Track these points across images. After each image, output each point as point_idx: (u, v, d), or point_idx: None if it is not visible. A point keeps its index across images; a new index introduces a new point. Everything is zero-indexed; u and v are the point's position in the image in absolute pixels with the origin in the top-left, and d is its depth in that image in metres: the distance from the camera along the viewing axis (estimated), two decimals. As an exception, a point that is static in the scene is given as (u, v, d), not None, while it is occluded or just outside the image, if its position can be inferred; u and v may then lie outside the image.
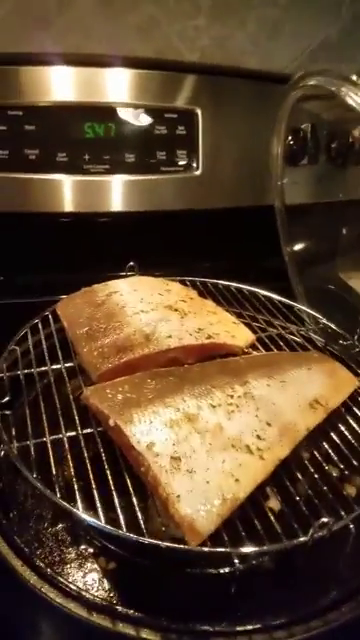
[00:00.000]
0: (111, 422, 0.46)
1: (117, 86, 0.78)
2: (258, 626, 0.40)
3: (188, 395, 0.50)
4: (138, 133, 0.79)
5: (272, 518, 0.43)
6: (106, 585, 0.44)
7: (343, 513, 0.43)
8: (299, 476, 0.48)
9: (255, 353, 0.62)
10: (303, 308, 0.72)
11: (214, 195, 0.86)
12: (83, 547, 0.46)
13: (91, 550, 0.46)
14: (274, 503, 0.48)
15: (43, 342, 0.60)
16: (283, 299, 0.74)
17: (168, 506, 0.41)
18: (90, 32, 0.84)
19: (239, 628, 0.40)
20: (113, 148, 0.79)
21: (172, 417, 0.47)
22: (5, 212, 0.76)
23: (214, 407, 0.49)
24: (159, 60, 0.86)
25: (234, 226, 0.87)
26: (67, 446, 0.47)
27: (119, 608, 0.41)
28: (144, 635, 0.39)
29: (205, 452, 0.44)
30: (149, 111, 0.80)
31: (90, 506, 0.42)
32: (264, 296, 0.74)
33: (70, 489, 0.44)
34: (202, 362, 0.58)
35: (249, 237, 0.85)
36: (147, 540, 0.39)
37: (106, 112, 0.78)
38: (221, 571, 0.44)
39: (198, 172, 0.83)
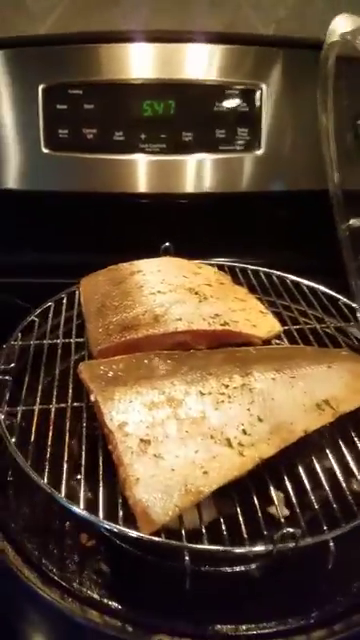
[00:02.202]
0: (92, 397, 0.45)
1: (177, 62, 0.75)
2: (230, 633, 0.37)
3: (180, 379, 0.47)
4: (197, 110, 0.76)
5: (262, 522, 0.39)
6: (78, 560, 0.43)
7: (325, 528, 0.38)
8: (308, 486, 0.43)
9: (275, 345, 0.57)
10: (347, 301, 0.66)
11: (277, 177, 0.81)
12: (61, 520, 0.46)
13: (71, 524, 0.45)
14: (280, 510, 0.43)
15: (62, 316, 0.60)
16: (327, 291, 0.68)
17: (125, 488, 0.39)
18: (159, 6, 0.83)
19: (208, 631, 0.37)
20: (171, 126, 0.76)
21: (154, 399, 0.45)
22: (63, 192, 0.77)
23: (203, 395, 0.46)
24: (223, 34, 0.83)
25: (299, 213, 0.82)
26: (53, 416, 0.47)
27: (86, 589, 0.40)
28: (89, 616, 0.38)
29: (179, 439, 0.42)
30: (209, 87, 0.76)
31: (57, 478, 0.42)
32: (307, 286, 0.69)
33: (42, 458, 0.43)
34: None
35: (309, 225, 0.80)
36: (97, 519, 0.38)
37: (165, 89, 0.76)
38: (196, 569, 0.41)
39: (260, 151, 0.79)
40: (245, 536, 0.38)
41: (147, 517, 0.37)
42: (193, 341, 0.55)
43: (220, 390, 0.47)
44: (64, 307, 0.62)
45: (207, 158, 0.77)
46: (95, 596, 0.40)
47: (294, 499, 0.41)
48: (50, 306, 0.62)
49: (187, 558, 0.37)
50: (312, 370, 0.51)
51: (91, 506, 0.39)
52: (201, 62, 0.75)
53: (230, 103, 0.77)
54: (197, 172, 0.79)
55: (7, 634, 0.39)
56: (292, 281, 0.70)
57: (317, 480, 0.43)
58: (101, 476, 0.42)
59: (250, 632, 0.37)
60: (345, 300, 0.66)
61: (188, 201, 0.81)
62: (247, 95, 0.77)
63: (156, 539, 0.37)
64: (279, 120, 0.78)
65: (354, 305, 0.65)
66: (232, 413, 0.45)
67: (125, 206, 0.81)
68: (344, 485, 0.43)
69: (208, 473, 0.40)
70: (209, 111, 0.76)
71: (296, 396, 0.48)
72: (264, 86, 0.77)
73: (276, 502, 0.41)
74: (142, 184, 0.79)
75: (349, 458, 0.45)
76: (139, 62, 0.75)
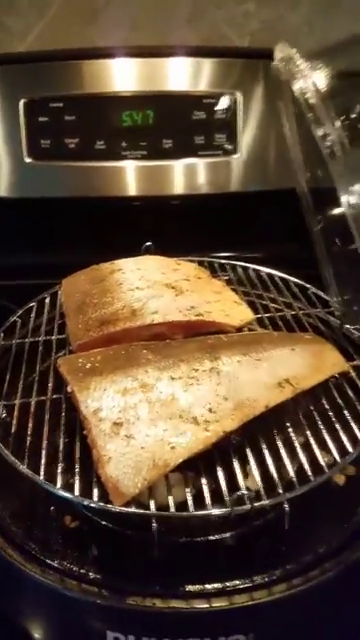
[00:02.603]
0: (69, 388, 0.49)
1: (155, 74, 0.80)
2: (175, 591, 0.41)
3: (152, 367, 0.51)
4: (176, 119, 0.81)
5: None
6: (59, 536, 0.47)
7: (280, 491, 0.42)
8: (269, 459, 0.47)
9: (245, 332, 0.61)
10: (315, 290, 0.69)
11: (253, 178, 0.85)
12: (44, 504, 0.49)
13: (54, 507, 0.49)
14: (252, 482, 0.47)
15: (45, 315, 0.64)
16: (298, 280, 0.71)
17: (98, 467, 0.43)
18: (138, 24, 0.87)
19: (157, 589, 0.41)
20: (150, 134, 0.81)
21: (127, 386, 0.49)
22: (42, 197, 0.82)
23: (173, 379, 0.50)
24: (199, 47, 0.87)
25: (275, 211, 0.86)
26: (33, 409, 0.51)
27: (50, 560, 0.44)
28: (71, 586, 0.42)
29: (149, 420, 0.46)
30: (187, 97, 0.80)
31: (37, 464, 0.45)
32: (280, 277, 0.73)
33: (22, 447, 0.47)
34: (189, 339, 0.59)
35: (292, 222, 0.83)
36: (62, 492, 0.42)
37: (144, 100, 0.80)
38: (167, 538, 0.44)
39: (237, 155, 0.83)
40: (208, 502, 0.41)
41: (117, 491, 0.41)
42: (169, 332, 0.59)
43: (190, 374, 0.50)
44: (46, 307, 0.66)
45: (187, 163, 0.81)
46: (75, 568, 0.43)
47: (257, 469, 0.45)
48: (32, 306, 0.66)
49: (154, 525, 0.40)
50: (276, 352, 0.55)
51: (69, 487, 0.43)
52: (178, 74, 0.80)
53: (207, 112, 0.81)
54: (178, 176, 0.83)
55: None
56: (266, 273, 0.74)
57: (278, 452, 0.46)
58: (78, 460, 0.45)
59: (217, 589, 0.41)
60: (314, 289, 0.70)
61: (169, 203, 0.85)
62: (224, 103, 0.81)
63: (125, 510, 0.41)
64: (254, 126, 0.82)
65: (322, 294, 0.69)
66: (200, 394, 0.48)
67: (108, 210, 0.86)
68: (302, 455, 0.46)
69: (175, 448, 0.44)
70: (188, 120, 0.81)
71: (259, 376, 0.52)
72: (239, 94, 0.81)
73: (239, 473, 0.44)
74: (124, 188, 0.83)
75: (308, 432, 0.49)
76: (118, 76, 0.79)
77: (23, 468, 0.45)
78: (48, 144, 0.80)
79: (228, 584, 0.42)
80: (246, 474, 0.46)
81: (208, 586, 0.42)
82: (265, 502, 0.41)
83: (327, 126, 0.43)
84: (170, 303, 0.61)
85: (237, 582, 0.42)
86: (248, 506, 0.40)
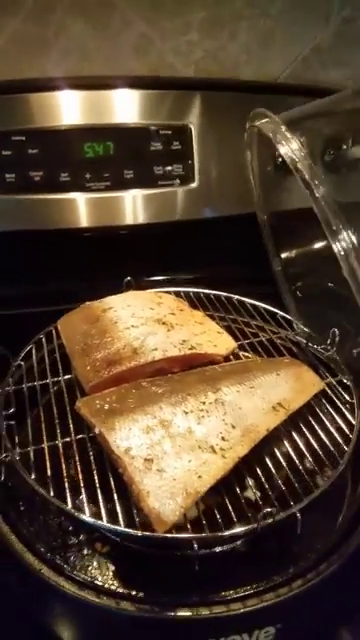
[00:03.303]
0: (96, 430, 0.55)
1: (113, 106, 0.86)
2: (217, 599, 0.48)
3: (165, 403, 0.58)
4: (135, 150, 0.87)
5: (245, 507, 0.51)
6: (98, 565, 0.52)
7: (292, 503, 0.51)
8: (273, 471, 0.56)
9: (234, 361, 0.69)
10: (283, 314, 0.79)
11: (211, 205, 0.93)
12: (82, 534, 0.55)
13: (90, 536, 0.55)
14: (251, 493, 0.55)
15: (46, 357, 0.69)
16: (268, 307, 0.80)
17: (139, 501, 0.49)
18: (87, 54, 0.91)
19: (197, 599, 0.48)
20: (112, 166, 0.86)
21: (148, 424, 0.55)
22: (11, 231, 0.85)
23: (186, 413, 0.57)
24: (148, 77, 0.93)
25: (232, 235, 0.94)
26: (61, 450, 0.56)
27: (104, 585, 0.50)
28: (122, 605, 0.48)
29: (174, 453, 0.53)
30: (144, 129, 0.86)
31: (79, 500, 0.51)
32: (251, 304, 0.81)
33: (61, 487, 0.52)
34: (186, 370, 0.66)
35: (248, 244, 0.92)
36: (114, 526, 0.48)
37: (104, 132, 0.86)
38: (201, 552, 0.51)
39: (194, 184, 0.90)
40: (235, 519, 0.49)
41: (160, 520, 0.48)
42: (168, 366, 0.66)
43: (199, 407, 0.58)
44: (45, 348, 0.71)
45: (147, 193, 0.88)
46: (125, 590, 0.50)
47: (264, 483, 0.54)
48: (32, 348, 0.70)
49: (195, 546, 0.48)
50: (265, 379, 0.64)
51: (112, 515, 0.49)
52: (133, 106, 0.86)
53: (163, 142, 0.88)
54: (139, 206, 0.89)
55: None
56: (237, 300, 0.82)
57: (279, 465, 0.55)
58: (115, 494, 0.51)
59: (244, 593, 0.49)
60: (282, 314, 0.79)
61: (133, 232, 0.91)
62: (178, 134, 0.88)
63: (170, 535, 0.48)
64: (208, 155, 0.90)
65: (289, 317, 0.78)
66: (212, 425, 0.56)
67: (73, 240, 0.90)
68: (300, 466, 0.55)
69: (202, 477, 0.51)
70: (146, 150, 0.87)
71: (256, 402, 0.60)
72: (192, 126, 0.88)
73: (252, 486, 0.53)
74: (88, 219, 0.88)
75: (301, 444, 0.58)
76: (76, 108, 0.84)
77: (70, 510, 0.50)
78: (13, 178, 0.83)
79: (255, 586, 0.50)
80: (244, 487, 0.54)
81: (239, 590, 0.49)
82: (282, 515, 0.49)
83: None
84: (165, 339, 0.68)
85: (261, 583, 0.50)
86: (270, 520, 0.48)
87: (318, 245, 0.91)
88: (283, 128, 0.57)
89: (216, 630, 0.47)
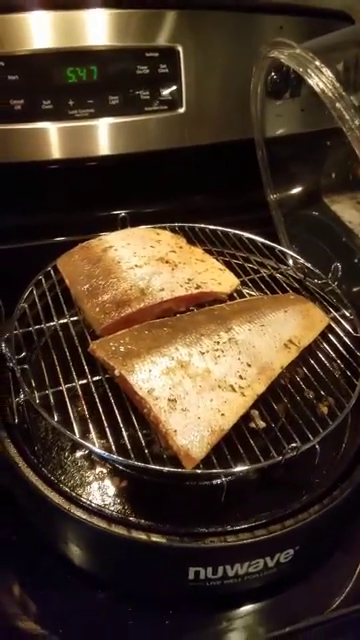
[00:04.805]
0: (116, 372, 0.54)
1: (96, 28, 0.79)
2: (244, 526, 0.51)
3: (180, 344, 0.58)
4: (120, 74, 0.81)
5: (251, 442, 0.53)
6: (120, 500, 0.54)
7: (310, 436, 0.53)
8: (282, 397, 0.58)
9: (238, 299, 0.69)
10: (281, 248, 0.79)
11: (200, 131, 0.89)
12: (99, 470, 0.56)
13: (105, 472, 0.56)
14: (258, 423, 0.57)
15: (48, 297, 0.67)
16: (265, 241, 0.80)
17: (168, 439, 0.50)
18: None
19: (228, 528, 0.50)
20: (96, 91, 0.81)
21: (168, 365, 0.55)
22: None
23: (203, 354, 0.57)
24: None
25: (222, 163, 0.91)
26: (80, 392, 0.56)
27: (132, 519, 0.51)
28: (154, 539, 0.50)
29: (196, 393, 0.53)
30: (130, 51, 0.81)
31: (103, 437, 0.52)
32: (248, 239, 0.80)
33: (85, 426, 0.53)
34: (192, 309, 0.66)
35: (238, 172, 0.90)
36: (152, 466, 0.49)
37: (86, 55, 0.80)
38: (213, 483, 0.53)
39: (182, 109, 0.86)
40: (257, 452, 0.51)
41: (189, 457, 0.49)
42: (176, 306, 0.66)
43: (214, 347, 0.58)
44: (45, 287, 0.69)
45: (133, 120, 0.83)
46: (155, 524, 0.51)
47: (282, 418, 0.56)
48: (32, 289, 0.68)
49: (223, 479, 0.50)
50: (274, 316, 0.64)
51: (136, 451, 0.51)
52: (117, 28, 0.80)
53: (150, 66, 0.82)
54: (125, 134, 0.85)
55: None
56: (234, 234, 0.81)
57: (294, 399, 0.58)
58: (139, 432, 0.52)
59: (267, 520, 0.52)
60: (280, 247, 0.79)
61: (120, 162, 0.87)
62: (166, 57, 0.83)
63: (199, 471, 0.49)
64: (197, 79, 0.85)
65: (288, 252, 0.78)
66: (228, 364, 0.57)
67: (57, 172, 0.85)
68: (314, 400, 0.58)
69: (225, 414, 0.52)
70: (131, 75, 0.82)
71: (268, 341, 0.61)
72: (180, 48, 0.83)
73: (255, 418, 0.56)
74: (71, 150, 0.84)
75: (301, 383, 0.60)
76: (55, 31, 0.77)
77: (97, 449, 0.51)
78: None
79: (276, 513, 0.52)
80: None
81: (262, 517, 0.52)
82: (303, 448, 0.51)
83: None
84: (170, 279, 0.67)
85: (281, 510, 0.53)
86: (294, 453, 0.51)
87: (313, 175, 0.91)
88: (317, 62, 0.55)
89: (242, 556, 0.50)
